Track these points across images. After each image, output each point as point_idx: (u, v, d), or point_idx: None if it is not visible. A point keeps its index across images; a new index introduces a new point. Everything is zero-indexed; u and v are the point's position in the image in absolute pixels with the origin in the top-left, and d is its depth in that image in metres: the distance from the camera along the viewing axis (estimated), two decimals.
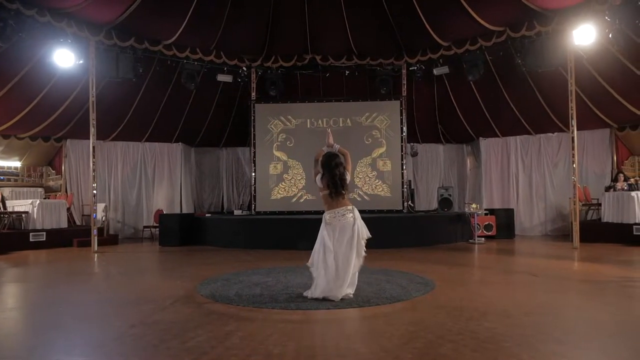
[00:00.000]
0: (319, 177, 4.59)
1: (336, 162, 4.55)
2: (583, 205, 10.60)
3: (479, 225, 10.52)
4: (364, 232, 4.50)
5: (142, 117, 12.15)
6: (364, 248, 4.51)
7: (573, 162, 8.80)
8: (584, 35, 8.46)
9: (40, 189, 12.07)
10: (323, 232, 4.53)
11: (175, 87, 11.79)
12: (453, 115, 12.86)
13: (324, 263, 4.43)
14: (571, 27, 8.55)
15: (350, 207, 4.52)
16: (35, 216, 10.08)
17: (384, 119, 11.83)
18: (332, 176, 4.49)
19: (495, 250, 9.00)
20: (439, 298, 4.56)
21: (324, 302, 4.34)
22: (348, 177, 4.56)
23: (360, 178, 11.74)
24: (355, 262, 4.44)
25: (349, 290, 4.50)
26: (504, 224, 10.99)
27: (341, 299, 4.42)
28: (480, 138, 12.92)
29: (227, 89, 12.43)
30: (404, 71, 11.80)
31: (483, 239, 10.32)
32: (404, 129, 11.74)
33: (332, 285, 4.41)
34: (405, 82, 11.86)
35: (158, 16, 9.67)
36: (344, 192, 4.51)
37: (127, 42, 9.87)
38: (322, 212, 4.61)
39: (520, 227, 12.07)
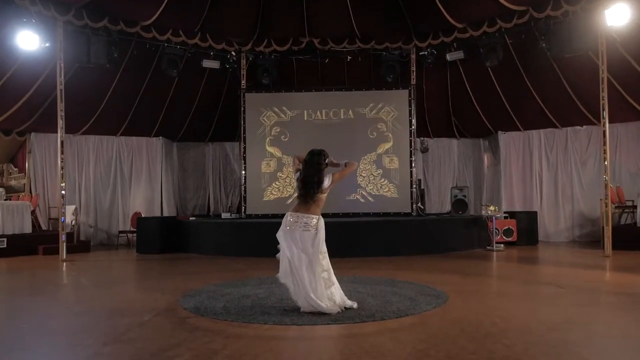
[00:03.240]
0: (298, 174, 4.66)
1: (317, 161, 4.59)
2: (616, 207, 10.60)
3: (498, 230, 10.52)
4: (322, 245, 4.51)
5: (118, 108, 12.12)
6: (322, 264, 4.51)
7: (604, 158, 8.79)
8: (617, 15, 8.43)
9: (0, 189, 12.04)
10: (279, 234, 4.59)
11: (154, 74, 11.77)
12: (468, 106, 12.86)
13: (289, 271, 4.52)
14: (603, 6, 8.53)
15: (316, 218, 4.54)
16: None
17: (391, 111, 11.83)
18: (306, 176, 4.55)
19: (515, 258, 9.01)
20: (451, 312, 4.57)
21: (323, 316, 4.34)
22: (327, 183, 4.55)
23: (363, 177, 11.74)
24: (315, 274, 4.44)
25: (346, 302, 4.56)
26: (526, 228, 10.98)
27: (345, 308, 4.51)
28: (499, 132, 12.91)
29: (213, 76, 12.40)
30: (413, 56, 11.80)
31: (502, 245, 10.33)
32: (413, 121, 11.74)
33: (300, 295, 4.50)
34: (414, 69, 11.85)
35: None
36: (313, 197, 4.52)
37: (100, 23, 9.82)
38: (301, 218, 4.58)
39: (544, 232, 12.07)
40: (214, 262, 8.69)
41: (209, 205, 14.07)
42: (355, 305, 4.66)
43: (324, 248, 4.56)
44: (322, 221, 4.58)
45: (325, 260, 4.55)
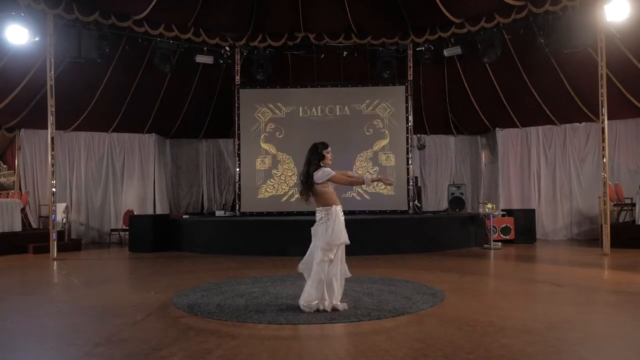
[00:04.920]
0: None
1: (309, 150, 4.68)
2: (614, 205, 10.66)
3: (495, 228, 10.56)
4: (333, 237, 4.47)
5: (109, 103, 12.06)
6: (331, 255, 4.48)
7: (603, 156, 8.83)
8: (617, 11, 8.47)
9: None
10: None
11: (147, 69, 11.72)
12: (466, 102, 12.87)
13: (308, 263, 4.65)
14: (602, 1, 8.56)
15: (320, 208, 4.59)
16: None
17: (387, 107, 11.83)
18: (302, 171, 4.68)
19: (513, 257, 9.04)
20: (448, 311, 4.58)
21: (318, 315, 4.36)
22: (320, 177, 4.51)
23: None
24: (318, 268, 4.47)
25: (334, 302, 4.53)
26: (524, 226, 11.04)
27: (332, 310, 4.48)
28: (497, 129, 12.95)
29: (207, 72, 12.37)
30: (410, 52, 11.81)
31: (500, 243, 10.36)
32: (410, 118, 11.75)
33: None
34: (411, 65, 11.86)
35: None
36: (306, 189, 4.60)
37: (91, 17, 9.78)
38: (315, 213, 4.73)
39: (542, 230, 12.14)
40: (207, 261, 8.68)
41: (202, 203, 14.05)
42: (345, 306, 4.60)
43: (335, 241, 4.46)
44: (334, 209, 4.52)
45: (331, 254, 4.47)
